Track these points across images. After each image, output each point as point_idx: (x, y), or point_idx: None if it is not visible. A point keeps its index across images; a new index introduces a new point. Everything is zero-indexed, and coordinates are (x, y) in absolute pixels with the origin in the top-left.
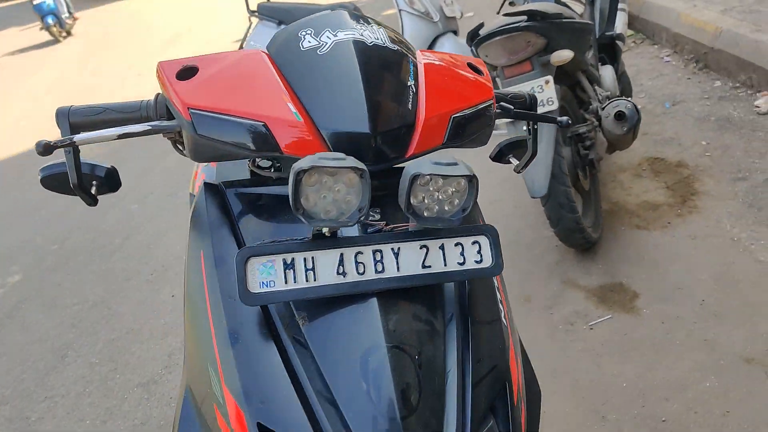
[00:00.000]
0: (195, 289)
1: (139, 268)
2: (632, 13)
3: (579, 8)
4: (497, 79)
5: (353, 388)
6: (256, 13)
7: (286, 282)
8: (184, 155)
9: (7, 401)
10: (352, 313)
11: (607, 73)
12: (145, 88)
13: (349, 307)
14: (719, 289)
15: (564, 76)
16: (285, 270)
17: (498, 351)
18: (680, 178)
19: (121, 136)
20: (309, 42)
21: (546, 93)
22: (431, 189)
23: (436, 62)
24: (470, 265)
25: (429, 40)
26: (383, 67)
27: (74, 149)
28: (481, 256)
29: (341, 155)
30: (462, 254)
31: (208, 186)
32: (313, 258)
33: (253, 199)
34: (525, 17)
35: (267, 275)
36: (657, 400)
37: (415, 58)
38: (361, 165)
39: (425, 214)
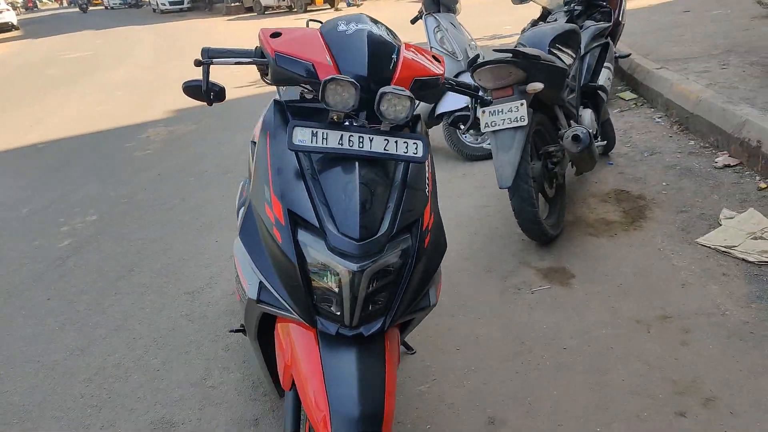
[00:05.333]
0: (261, 150)
1: (191, 222)
2: (638, 79)
3: (568, 60)
4: (488, 98)
5: (337, 197)
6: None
7: (311, 142)
8: (265, 81)
9: (86, 293)
10: (343, 166)
11: (586, 114)
12: None
13: (343, 163)
14: (635, 279)
15: (544, 107)
16: (312, 136)
17: (419, 203)
18: (636, 206)
19: (236, 63)
20: (341, 27)
21: (519, 112)
22: (390, 101)
23: (411, 50)
24: (410, 153)
25: (453, 74)
26: (379, 45)
27: (207, 68)
28: (416, 150)
29: (346, 78)
30: (406, 147)
31: (276, 102)
32: (327, 133)
33: (298, 108)
34: (510, 54)
35: (302, 137)
36: (564, 338)
37: (400, 44)
38: (356, 82)
39: (387, 116)
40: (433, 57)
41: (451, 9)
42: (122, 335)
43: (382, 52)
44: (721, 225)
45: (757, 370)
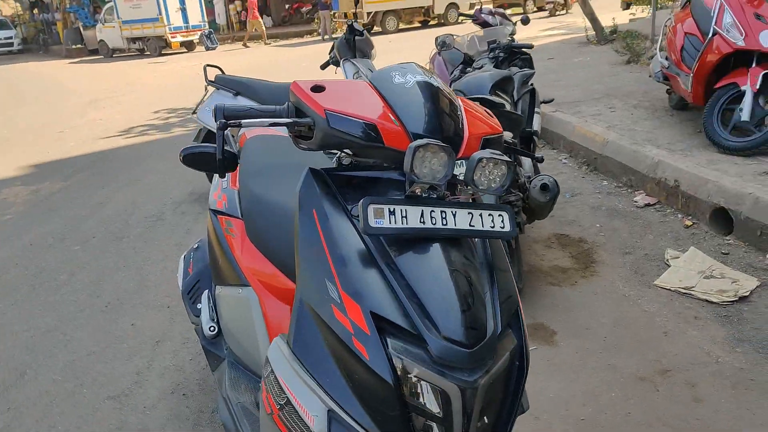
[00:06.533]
0: (309, 234)
1: (91, 302)
2: None
3: (507, 106)
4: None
5: (430, 291)
6: (214, 83)
7: (390, 222)
8: (301, 147)
9: None
10: (424, 248)
11: (526, 161)
12: (68, 144)
13: (422, 244)
14: (617, 330)
15: None
16: (390, 215)
17: (511, 288)
18: (582, 250)
19: (271, 125)
20: (398, 79)
21: None
22: (486, 169)
23: (469, 104)
24: (497, 228)
25: None
26: (445, 100)
27: (224, 133)
28: (503, 224)
29: (438, 142)
30: (492, 221)
31: (312, 170)
32: (405, 210)
33: (345, 179)
34: (478, 103)
35: (378, 217)
36: (576, 405)
37: (457, 98)
38: (450, 148)
39: (479, 186)
40: (485, 110)
41: (367, 54)
42: None
43: (449, 108)
44: (670, 266)
45: None
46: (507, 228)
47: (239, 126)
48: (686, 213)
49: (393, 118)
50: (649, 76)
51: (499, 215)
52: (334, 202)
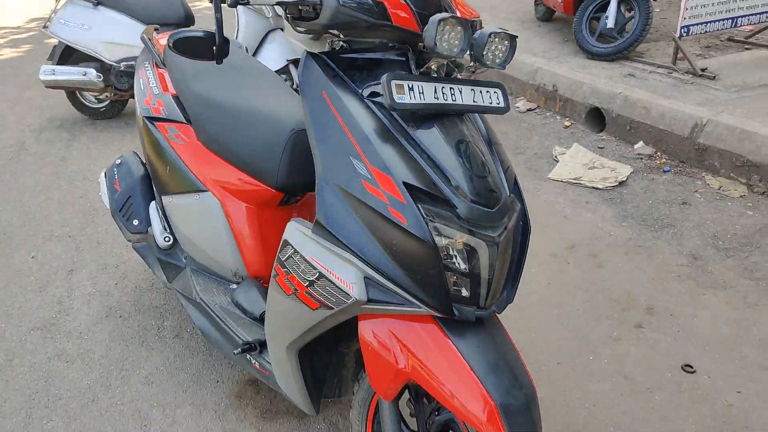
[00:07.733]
0: (323, 117)
1: None
2: None
3: None
4: None
5: (450, 161)
6: None
7: (410, 98)
8: (298, 30)
9: None
10: (438, 123)
11: None
12: None
13: (435, 120)
14: None
15: None
16: (409, 91)
17: (507, 159)
18: None
19: (277, 3)
20: None
21: None
22: (492, 45)
23: None
24: (494, 104)
25: (261, 33)
26: None
27: (221, 14)
28: (499, 100)
29: (455, 15)
30: (490, 97)
31: (311, 54)
32: (422, 86)
33: (346, 61)
34: None
35: (401, 93)
36: None
37: None
38: (466, 21)
39: (486, 62)
40: None
41: None
42: None
43: None
44: (558, 161)
45: (663, 276)
46: (502, 104)
47: (248, 4)
48: (564, 115)
49: None
50: None
51: (495, 92)
52: (342, 84)
